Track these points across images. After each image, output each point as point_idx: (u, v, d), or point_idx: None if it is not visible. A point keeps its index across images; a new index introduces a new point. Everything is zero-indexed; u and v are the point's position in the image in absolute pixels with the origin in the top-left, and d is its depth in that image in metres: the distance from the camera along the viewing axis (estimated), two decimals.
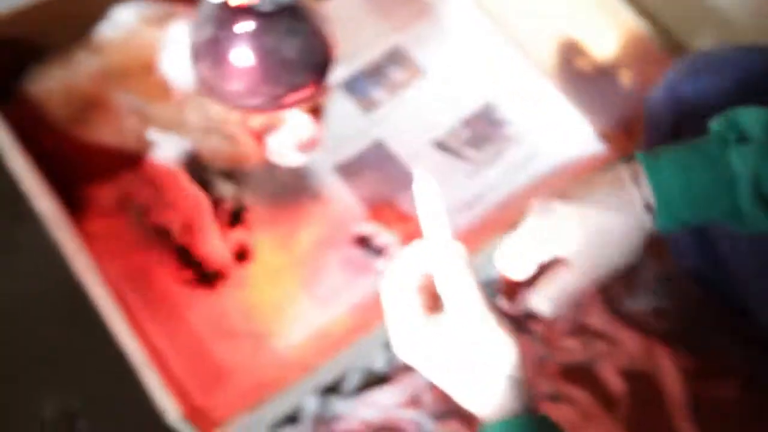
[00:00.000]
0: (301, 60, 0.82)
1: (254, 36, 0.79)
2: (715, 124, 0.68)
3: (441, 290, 0.60)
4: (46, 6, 1.14)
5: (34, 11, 1.14)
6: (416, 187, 0.60)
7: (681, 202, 0.66)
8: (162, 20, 1.10)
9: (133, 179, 1.18)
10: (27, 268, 1.23)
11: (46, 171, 1.07)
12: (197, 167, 1.16)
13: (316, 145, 1.08)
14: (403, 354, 0.61)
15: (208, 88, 0.84)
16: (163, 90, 1.08)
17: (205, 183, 1.18)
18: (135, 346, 0.92)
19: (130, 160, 1.18)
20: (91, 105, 1.12)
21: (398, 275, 0.61)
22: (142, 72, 1.09)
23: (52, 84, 1.11)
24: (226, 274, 1.17)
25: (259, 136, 1.06)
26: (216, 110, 1.04)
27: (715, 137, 0.67)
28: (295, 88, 0.83)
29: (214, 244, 1.15)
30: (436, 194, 0.60)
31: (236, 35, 0.79)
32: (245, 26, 0.80)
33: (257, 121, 1.03)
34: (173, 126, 1.10)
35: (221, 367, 1.10)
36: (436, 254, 0.60)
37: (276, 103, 0.84)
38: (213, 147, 1.09)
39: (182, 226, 1.15)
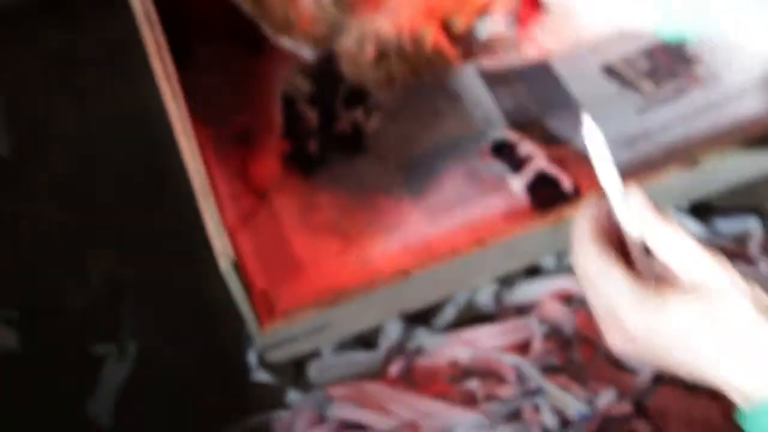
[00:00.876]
0: None
1: None
2: None
3: (663, 257, 0.54)
4: None
5: None
6: (587, 135, 0.58)
7: None
8: None
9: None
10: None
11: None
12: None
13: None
14: (631, 344, 0.55)
15: None
16: None
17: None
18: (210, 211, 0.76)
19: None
20: None
21: (595, 242, 0.55)
22: None
23: None
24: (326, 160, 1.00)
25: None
26: None
27: None
28: None
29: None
30: (604, 144, 0.58)
31: None
32: None
33: None
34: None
35: (299, 260, 0.93)
36: (641, 216, 0.55)
37: None
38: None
39: None
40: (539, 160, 0.97)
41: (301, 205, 0.98)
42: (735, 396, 0.51)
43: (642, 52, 1.09)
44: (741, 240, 0.96)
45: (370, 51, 0.92)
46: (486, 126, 1.03)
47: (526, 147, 0.98)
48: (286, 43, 1.03)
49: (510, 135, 1.00)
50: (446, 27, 0.94)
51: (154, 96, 0.87)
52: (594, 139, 0.58)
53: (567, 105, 1.05)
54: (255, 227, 0.95)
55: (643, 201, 0.55)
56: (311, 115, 1.03)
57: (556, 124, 1.03)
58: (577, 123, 1.05)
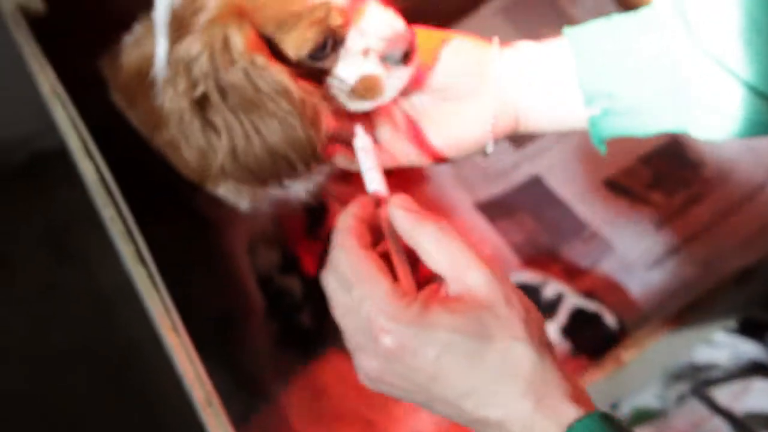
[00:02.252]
0: None
1: None
2: None
3: (430, 262, 0.46)
4: None
5: None
6: (358, 142, 0.54)
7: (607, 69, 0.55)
8: None
9: None
10: None
11: None
12: None
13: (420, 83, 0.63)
14: (384, 365, 0.45)
15: None
16: None
17: None
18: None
19: None
20: None
21: (357, 240, 0.47)
22: None
23: None
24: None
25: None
26: None
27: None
28: None
29: None
30: (373, 150, 0.53)
31: None
32: None
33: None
34: None
35: None
36: (405, 218, 0.47)
37: None
38: None
39: None
40: (571, 298, 0.85)
41: (307, 395, 0.82)
42: None
43: (639, 160, 1.01)
44: None
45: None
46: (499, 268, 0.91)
47: (553, 287, 0.86)
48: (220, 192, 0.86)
49: (531, 277, 0.88)
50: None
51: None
52: (364, 147, 0.53)
53: (580, 230, 0.95)
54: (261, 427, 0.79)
55: (407, 204, 0.48)
56: (294, 284, 0.90)
57: (574, 252, 0.93)
58: (596, 247, 1.00)
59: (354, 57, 0.56)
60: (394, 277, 0.46)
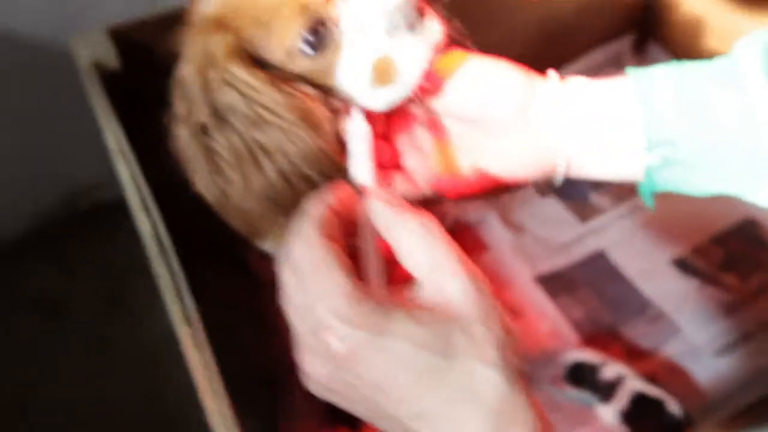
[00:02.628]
0: None
1: None
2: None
3: (405, 260, 0.41)
4: None
5: None
6: (353, 128, 0.50)
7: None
8: None
9: None
10: None
11: None
12: None
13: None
14: (330, 367, 0.40)
15: None
16: None
17: None
18: None
19: None
20: None
21: (322, 229, 0.42)
22: None
23: None
24: None
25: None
26: None
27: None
28: None
29: None
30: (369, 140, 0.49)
31: None
32: None
33: None
34: None
35: None
36: (387, 210, 0.43)
37: None
38: None
39: None
40: (632, 381, 0.80)
41: None
42: None
43: (712, 240, 0.97)
44: None
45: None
46: (556, 344, 0.87)
47: (613, 368, 0.81)
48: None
49: (590, 356, 0.84)
50: None
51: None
52: (360, 134, 0.49)
53: (644, 309, 0.90)
54: None
55: (390, 197, 0.44)
56: None
57: (637, 333, 0.88)
58: (661, 328, 0.93)
59: (355, 40, 0.50)
60: (360, 277, 0.41)
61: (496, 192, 0.57)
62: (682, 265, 0.94)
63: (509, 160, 0.54)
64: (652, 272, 0.94)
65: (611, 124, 0.52)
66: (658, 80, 0.52)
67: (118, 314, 1.02)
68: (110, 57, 0.82)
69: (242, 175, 0.52)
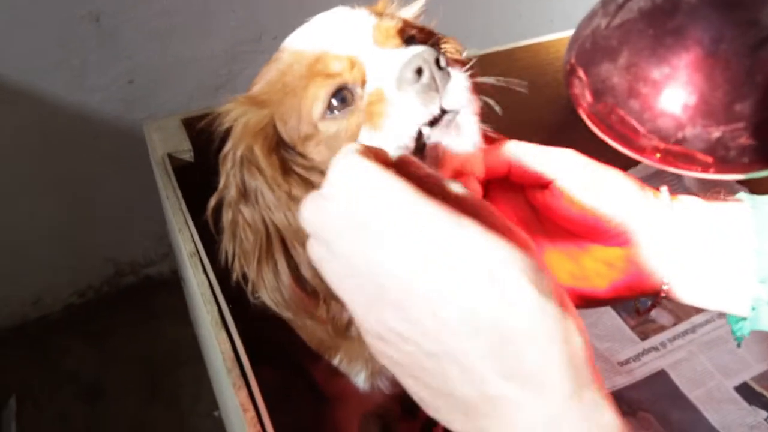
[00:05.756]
0: None
1: None
2: None
3: None
4: None
5: None
6: None
7: None
8: None
9: None
10: None
11: None
12: None
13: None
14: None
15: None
16: None
17: None
18: None
19: None
20: None
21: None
22: None
23: None
24: None
25: None
26: None
27: None
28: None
29: None
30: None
31: None
32: None
33: None
34: None
35: None
36: None
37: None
38: None
39: None
40: None
41: None
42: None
43: None
44: None
45: None
46: None
47: None
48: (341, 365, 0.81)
49: None
50: None
51: None
52: None
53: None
54: None
55: None
56: None
57: None
58: None
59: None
60: None
61: (590, 305, 0.55)
62: (746, 391, 0.91)
63: (608, 268, 0.52)
64: (714, 396, 0.91)
65: (723, 252, 0.50)
66: None
67: (158, 402, 0.99)
68: (183, 147, 0.81)
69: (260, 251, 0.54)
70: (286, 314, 0.56)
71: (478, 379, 0.35)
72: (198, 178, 0.78)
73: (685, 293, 0.52)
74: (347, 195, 0.37)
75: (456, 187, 0.39)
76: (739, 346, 0.53)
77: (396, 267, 0.36)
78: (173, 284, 0.97)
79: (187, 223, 0.72)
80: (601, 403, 0.35)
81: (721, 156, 0.47)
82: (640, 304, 0.55)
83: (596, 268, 0.52)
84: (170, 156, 0.80)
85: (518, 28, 1.34)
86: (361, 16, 0.54)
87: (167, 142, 0.81)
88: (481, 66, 0.53)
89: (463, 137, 0.49)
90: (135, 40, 1.01)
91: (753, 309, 0.50)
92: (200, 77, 1.07)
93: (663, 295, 0.52)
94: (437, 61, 0.47)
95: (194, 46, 1.05)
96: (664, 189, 0.53)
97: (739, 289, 0.50)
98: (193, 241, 0.71)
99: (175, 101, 1.05)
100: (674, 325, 0.98)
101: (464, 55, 0.60)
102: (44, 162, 1.04)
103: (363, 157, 0.38)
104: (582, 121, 0.56)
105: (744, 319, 0.50)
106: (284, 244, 0.54)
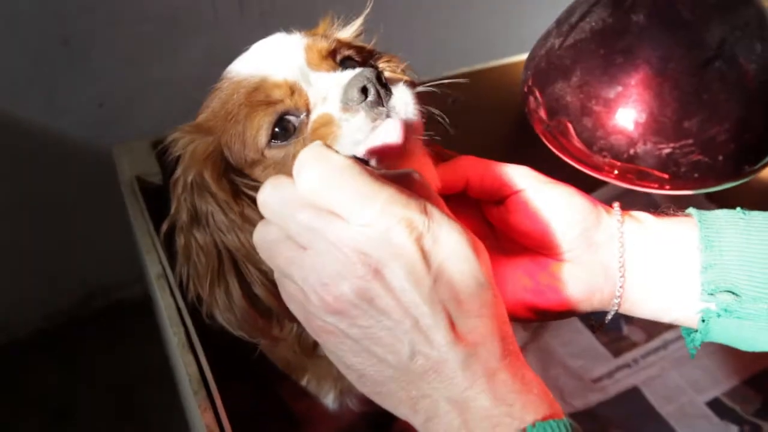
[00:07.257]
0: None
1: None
2: None
3: None
4: None
5: None
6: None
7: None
8: None
9: None
10: None
11: None
12: None
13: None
14: None
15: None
16: None
17: None
18: None
19: None
20: None
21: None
22: None
23: None
24: None
25: None
26: None
27: None
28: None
29: None
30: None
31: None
32: None
33: None
34: None
35: None
36: None
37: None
38: None
39: None
40: None
41: None
42: None
43: (744, 383, 0.94)
44: None
45: None
46: None
47: None
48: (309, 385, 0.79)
49: None
50: None
51: None
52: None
53: None
54: None
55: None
56: None
57: None
58: None
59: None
60: None
61: (543, 318, 0.56)
62: (718, 407, 0.92)
63: (563, 287, 0.53)
64: (685, 411, 0.91)
65: (672, 266, 0.51)
66: (724, 228, 0.51)
67: (129, 426, 0.98)
68: (152, 170, 0.81)
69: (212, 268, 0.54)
70: (240, 334, 0.56)
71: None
72: (167, 201, 0.79)
73: (636, 307, 0.54)
74: (318, 174, 0.40)
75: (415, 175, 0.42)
76: (692, 357, 0.54)
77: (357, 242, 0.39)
78: (144, 307, 0.96)
79: (154, 245, 0.71)
80: None
81: (673, 172, 0.48)
82: (595, 318, 0.56)
83: (549, 282, 0.53)
84: (139, 178, 0.80)
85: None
86: (295, 40, 0.55)
87: (136, 164, 0.81)
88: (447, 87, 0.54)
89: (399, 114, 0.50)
90: (105, 63, 1.01)
91: (703, 321, 0.51)
92: (171, 100, 1.07)
93: (615, 309, 0.53)
94: (379, 78, 0.48)
95: (165, 69, 1.06)
96: (616, 205, 0.54)
97: (688, 302, 0.51)
98: (161, 263, 0.71)
99: (145, 124, 1.05)
100: (646, 341, 0.99)
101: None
102: (13, 184, 1.03)
103: (329, 150, 0.40)
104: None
105: (696, 331, 0.51)
106: (236, 265, 0.55)
